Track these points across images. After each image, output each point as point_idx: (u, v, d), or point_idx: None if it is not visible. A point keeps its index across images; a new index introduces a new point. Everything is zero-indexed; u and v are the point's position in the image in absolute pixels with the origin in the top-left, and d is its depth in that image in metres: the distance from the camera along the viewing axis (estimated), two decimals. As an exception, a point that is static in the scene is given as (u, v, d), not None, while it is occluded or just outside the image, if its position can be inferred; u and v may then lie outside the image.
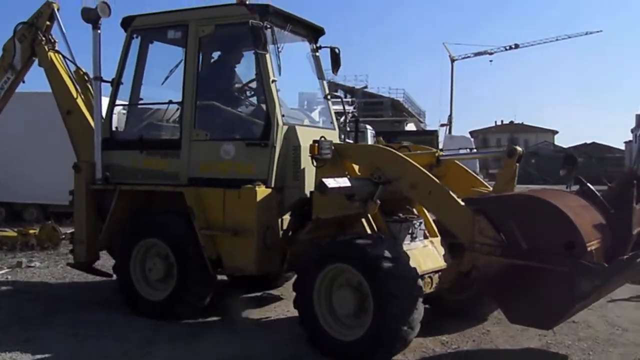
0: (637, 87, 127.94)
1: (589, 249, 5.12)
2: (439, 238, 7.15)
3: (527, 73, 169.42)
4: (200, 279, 7.23)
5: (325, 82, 8.37)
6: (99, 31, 7.99)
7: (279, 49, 7.29)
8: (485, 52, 65.32)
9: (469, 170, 7.18)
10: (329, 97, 8.33)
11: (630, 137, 37.48)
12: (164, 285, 7.45)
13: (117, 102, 8.21)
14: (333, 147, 6.70)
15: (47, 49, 8.94)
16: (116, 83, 8.01)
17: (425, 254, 6.67)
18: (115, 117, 8.25)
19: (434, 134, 36.05)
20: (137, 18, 7.94)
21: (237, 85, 7.91)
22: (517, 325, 6.28)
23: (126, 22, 7.97)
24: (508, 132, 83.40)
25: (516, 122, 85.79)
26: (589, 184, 6.17)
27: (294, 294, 6.41)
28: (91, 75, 8.50)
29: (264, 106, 7.25)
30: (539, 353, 6.48)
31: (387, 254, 5.87)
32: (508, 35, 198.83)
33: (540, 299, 5.26)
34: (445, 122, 61.55)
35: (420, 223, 6.99)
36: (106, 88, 8.16)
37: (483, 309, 7.37)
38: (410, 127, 53.01)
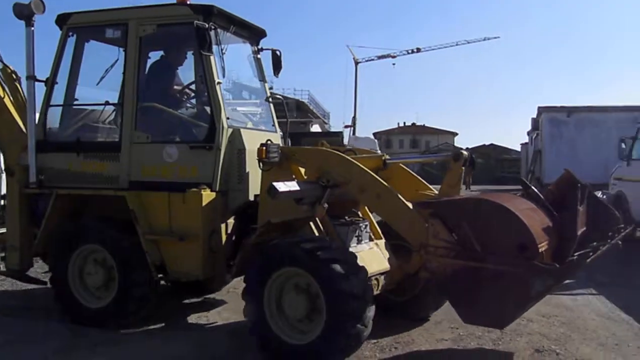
0: (533, 91, 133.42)
1: (540, 250, 5.29)
2: (383, 240, 7.23)
3: (429, 76, 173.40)
4: (143, 285, 7.04)
5: (267, 85, 8.30)
6: (32, 28, 7.63)
7: (223, 51, 7.19)
8: (388, 55, 65.98)
9: (414, 174, 7.28)
10: (270, 99, 8.27)
11: (526, 139, 39.33)
12: (104, 293, 7.24)
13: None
14: (280, 151, 6.69)
15: None
16: (50, 83, 7.70)
17: (372, 256, 6.71)
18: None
19: (339, 135, 36.43)
20: (73, 15, 7.65)
21: (178, 87, 7.75)
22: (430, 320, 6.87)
23: (62, 20, 7.66)
24: (410, 134, 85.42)
25: (418, 124, 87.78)
26: (533, 187, 6.38)
27: (239, 298, 6.38)
28: (20, 74, 8.20)
29: (208, 108, 7.14)
30: (452, 344, 6.79)
31: (338, 256, 5.91)
32: (410, 40, 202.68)
33: (494, 299, 5.36)
34: (350, 123, 62.27)
35: (366, 226, 7.05)
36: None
37: (425, 309, 7.51)
38: (315, 128, 53.24)
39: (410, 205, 6.16)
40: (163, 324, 7.43)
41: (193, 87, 7.78)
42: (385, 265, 6.80)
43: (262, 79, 8.29)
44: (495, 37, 72.06)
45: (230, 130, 7.04)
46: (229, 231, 7.13)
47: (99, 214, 7.45)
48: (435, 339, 6.92)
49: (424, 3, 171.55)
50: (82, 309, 7.27)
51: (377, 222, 7.35)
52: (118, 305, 7.06)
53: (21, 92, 8.38)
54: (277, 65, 8.17)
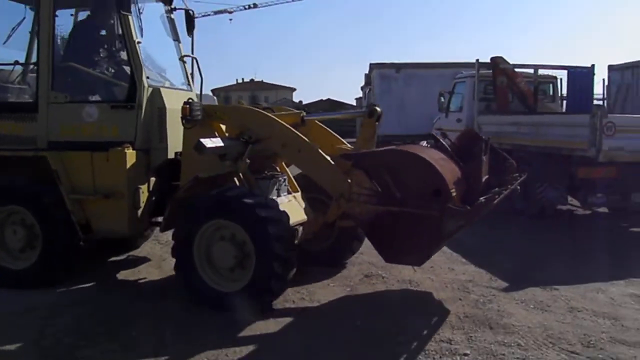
0: (367, 48, 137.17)
1: (452, 195, 5.86)
2: (300, 193, 7.64)
3: (267, 32, 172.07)
4: (68, 245, 7.11)
5: (180, 44, 8.39)
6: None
7: (140, 11, 7.27)
8: (225, 11, 65.59)
9: (330, 130, 7.69)
10: (184, 59, 8.39)
11: (360, 94, 41.20)
12: (26, 254, 7.24)
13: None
14: (202, 109, 6.91)
15: None
16: (-41, 43, 7.49)
17: (291, 208, 7.08)
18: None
19: (178, 91, 36.16)
20: None
21: (95, 46, 7.70)
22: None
23: None
24: (249, 90, 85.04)
25: (257, 80, 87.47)
26: (442, 140, 6.96)
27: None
28: None
29: (127, 68, 7.20)
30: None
31: (263, 203, 6.30)
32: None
33: (413, 239, 5.95)
34: (188, 79, 61.69)
35: (284, 179, 7.43)
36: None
37: (340, 256, 8.04)
38: (152, 84, 52.69)
39: (329, 158, 6.60)
40: (93, 283, 7.52)
41: (111, 46, 7.75)
42: (303, 217, 7.23)
43: (176, 38, 8.34)
44: (328, -11, 73.96)
45: (150, 89, 7.15)
46: (150, 189, 7.30)
47: (16, 176, 7.37)
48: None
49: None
50: (4, 270, 7.26)
51: (294, 177, 7.75)
52: (43, 265, 7.10)
53: None
54: (190, 25, 8.26)
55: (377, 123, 6.96)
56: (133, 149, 6.99)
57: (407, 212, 5.88)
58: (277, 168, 7.67)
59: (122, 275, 7.93)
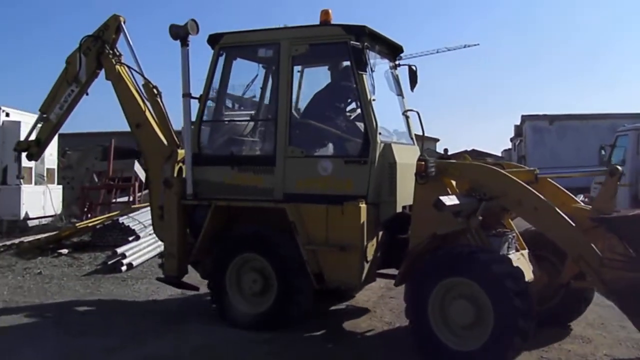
0: (514, 99, 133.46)
1: None
2: (527, 250, 7.50)
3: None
4: (303, 293, 7.41)
5: (404, 99, 8.59)
6: (187, 48, 8.06)
7: (372, 69, 7.51)
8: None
9: (562, 188, 7.51)
10: (407, 114, 8.56)
11: (509, 145, 40.29)
12: (259, 299, 7.59)
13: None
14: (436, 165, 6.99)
15: (114, 62, 8.99)
16: (204, 99, 8.08)
17: (520, 265, 6.98)
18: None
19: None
20: (225, 36, 8.01)
21: (329, 103, 8.06)
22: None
23: (213, 40, 8.05)
24: None
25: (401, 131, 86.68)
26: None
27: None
28: (160, 89, 8.78)
29: (360, 124, 7.45)
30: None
31: (510, 271, 6.22)
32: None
33: None
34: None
35: (514, 237, 7.32)
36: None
37: (565, 318, 7.76)
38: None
39: (566, 217, 6.45)
40: (324, 331, 7.77)
41: (344, 102, 8.09)
42: (531, 275, 7.07)
43: (400, 93, 8.57)
44: (475, 45, 72.48)
45: (382, 145, 7.33)
46: (379, 241, 7.45)
47: (251, 225, 7.81)
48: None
49: (404, 12, 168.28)
50: (239, 312, 7.65)
51: (520, 233, 7.62)
52: (277, 311, 7.42)
53: (161, 106, 8.84)
54: (413, 80, 8.42)
55: (618, 183, 6.73)
56: (366, 203, 7.16)
57: None
58: (504, 224, 7.59)
59: (347, 325, 8.08)
